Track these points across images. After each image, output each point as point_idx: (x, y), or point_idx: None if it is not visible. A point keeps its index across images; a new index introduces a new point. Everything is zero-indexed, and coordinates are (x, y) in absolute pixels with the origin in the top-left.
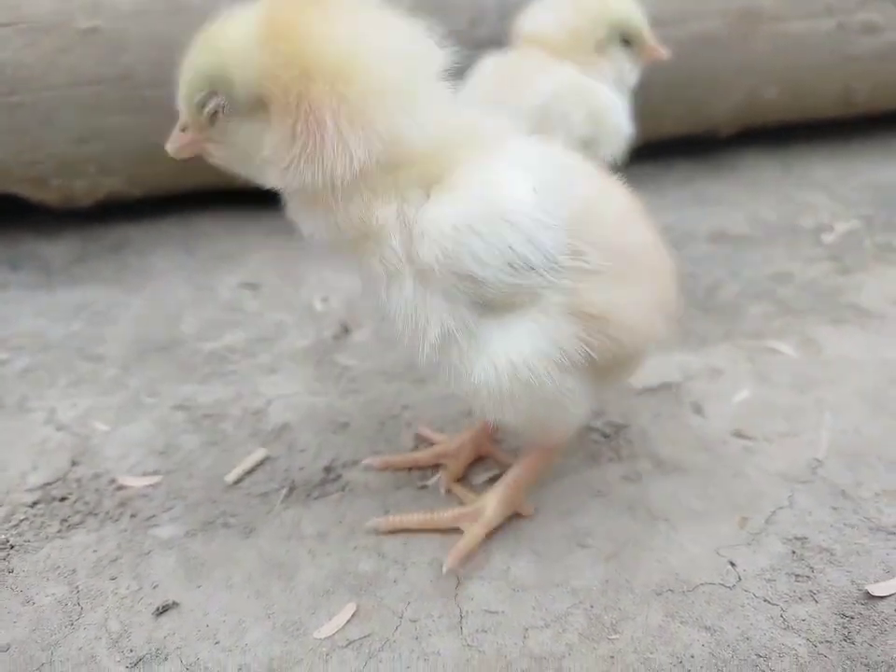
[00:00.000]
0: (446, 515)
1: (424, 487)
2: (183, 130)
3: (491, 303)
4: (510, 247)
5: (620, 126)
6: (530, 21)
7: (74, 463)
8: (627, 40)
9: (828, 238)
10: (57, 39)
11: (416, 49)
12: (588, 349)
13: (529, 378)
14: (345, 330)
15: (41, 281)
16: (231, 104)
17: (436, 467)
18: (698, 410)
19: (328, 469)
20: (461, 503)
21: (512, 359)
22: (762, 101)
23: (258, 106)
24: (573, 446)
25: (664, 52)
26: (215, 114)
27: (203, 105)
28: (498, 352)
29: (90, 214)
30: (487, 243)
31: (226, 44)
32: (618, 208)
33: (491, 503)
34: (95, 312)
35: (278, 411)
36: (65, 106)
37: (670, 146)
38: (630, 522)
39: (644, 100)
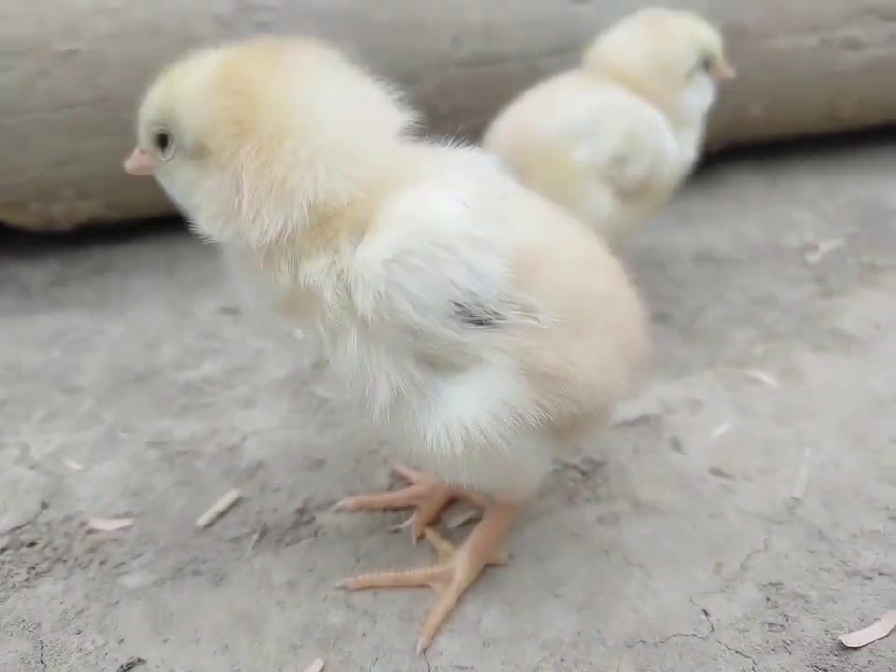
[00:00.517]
0: (416, 574)
1: (397, 531)
2: (142, 151)
3: (437, 361)
4: (450, 281)
5: (659, 147)
6: (604, 51)
7: (44, 505)
8: (707, 64)
9: (813, 258)
10: (35, 62)
11: (366, 111)
12: (545, 411)
13: (484, 443)
14: (325, 359)
15: (20, 305)
16: (178, 144)
17: (410, 508)
18: (677, 445)
19: (301, 511)
20: (433, 549)
21: (465, 425)
22: (747, 117)
23: (200, 153)
24: (550, 485)
25: (730, 71)
26: (165, 148)
27: (155, 136)
28: (451, 416)
29: (70, 237)
30: (423, 276)
31: (182, 86)
32: (573, 255)
33: (460, 565)
34: (74, 339)
35: (253, 447)
36: (44, 130)
37: None
38: (605, 567)
39: None
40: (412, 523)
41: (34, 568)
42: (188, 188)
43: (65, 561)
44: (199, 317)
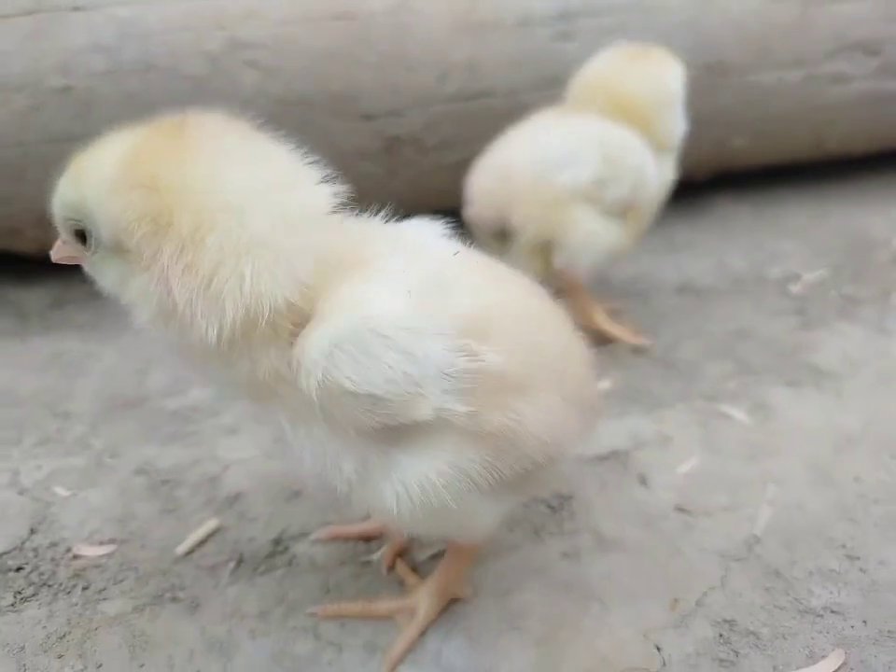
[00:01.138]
0: (382, 606)
1: (367, 563)
2: (63, 242)
3: (390, 428)
4: (387, 366)
5: (641, 169)
6: (593, 78)
7: (32, 531)
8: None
9: (794, 288)
10: (29, 98)
11: (289, 192)
12: (497, 469)
13: (437, 503)
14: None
15: (16, 328)
16: (97, 239)
17: (382, 537)
18: (643, 481)
19: (276, 542)
20: (402, 582)
21: (419, 486)
22: (731, 149)
23: (121, 250)
24: (518, 519)
25: None
26: (86, 242)
27: (73, 230)
28: (406, 478)
29: None
30: (358, 363)
31: (89, 179)
32: (514, 314)
33: (424, 601)
34: (68, 363)
35: (234, 477)
36: (38, 162)
37: None
38: (565, 602)
39: None
40: (382, 554)
41: (20, 593)
42: (118, 283)
43: (50, 586)
44: None
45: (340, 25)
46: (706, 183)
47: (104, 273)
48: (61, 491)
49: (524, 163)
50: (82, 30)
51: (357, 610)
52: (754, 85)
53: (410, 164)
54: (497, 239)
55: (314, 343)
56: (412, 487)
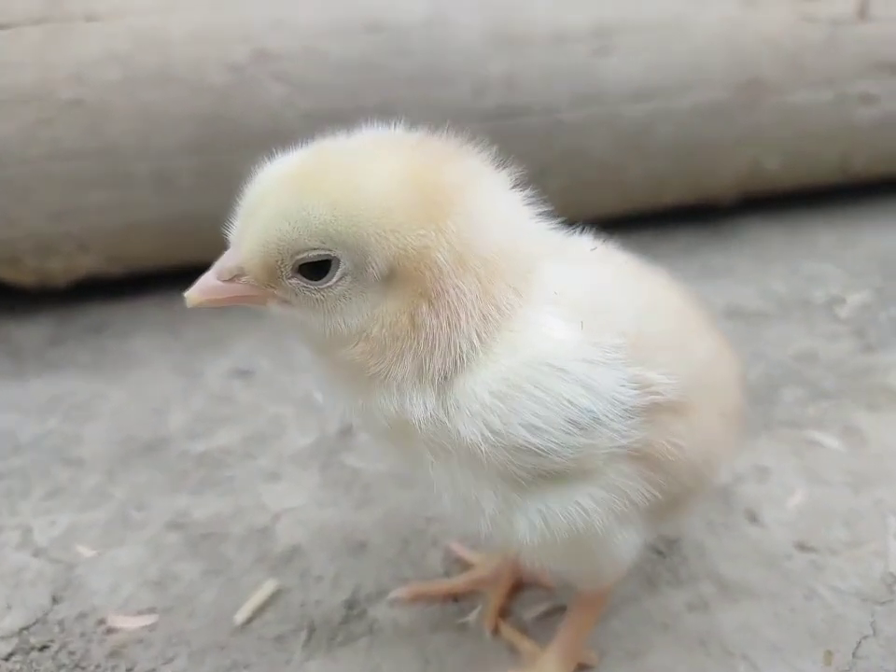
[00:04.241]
0: None
1: (464, 627)
2: (228, 278)
3: (557, 474)
4: (567, 402)
5: None
6: None
7: (55, 600)
8: None
9: (842, 312)
10: (38, 111)
11: (539, 230)
12: (650, 492)
13: (582, 528)
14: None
15: (13, 368)
16: (352, 270)
17: (472, 595)
18: (753, 518)
19: (349, 604)
20: (510, 647)
21: (564, 511)
22: (764, 170)
23: (384, 279)
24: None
25: None
26: (317, 274)
27: (302, 263)
28: (547, 505)
29: (65, 294)
30: (538, 403)
31: (363, 204)
32: (670, 320)
33: (551, 669)
34: (72, 405)
35: (286, 529)
36: (43, 181)
37: (671, 213)
38: (705, 660)
39: (645, 170)
40: (479, 615)
41: None
42: (347, 315)
43: (84, 668)
44: (208, 380)
45: (372, 37)
46: (735, 206)
47: (329, 307)
48: (83, 550)
49: None
50: (97, 40)
51: None
52: (788, 104)
53: None
54: None
55: (480, 384)
56: (553, 515)
